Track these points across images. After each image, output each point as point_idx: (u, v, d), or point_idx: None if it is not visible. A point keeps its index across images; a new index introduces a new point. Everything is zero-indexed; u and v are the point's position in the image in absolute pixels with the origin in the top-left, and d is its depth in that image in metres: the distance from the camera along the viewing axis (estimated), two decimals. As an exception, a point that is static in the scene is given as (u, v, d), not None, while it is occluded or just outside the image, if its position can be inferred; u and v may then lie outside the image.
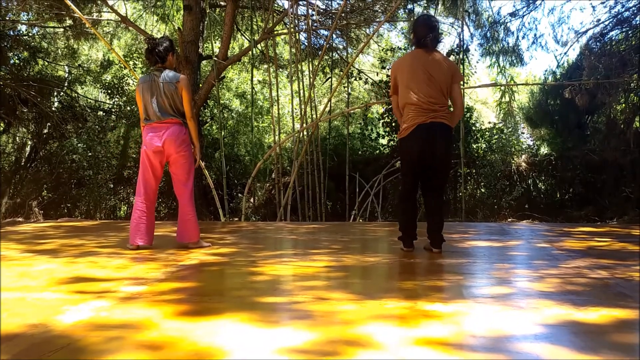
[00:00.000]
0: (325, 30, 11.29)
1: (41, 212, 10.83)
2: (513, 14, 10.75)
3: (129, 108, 12.03)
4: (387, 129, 11.37)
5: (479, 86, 12.94)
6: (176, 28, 10.13)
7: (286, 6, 10.68)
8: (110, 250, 4.20)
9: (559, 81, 10.91)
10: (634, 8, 9.39)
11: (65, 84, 12.58)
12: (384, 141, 11.93)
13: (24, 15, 11.44)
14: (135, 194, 4.39)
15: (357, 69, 12.11)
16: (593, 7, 9.91)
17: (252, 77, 10.36)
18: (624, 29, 9.54)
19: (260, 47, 11.52)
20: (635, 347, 1.80)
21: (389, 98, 10.60)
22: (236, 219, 10.22)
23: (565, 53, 10.95)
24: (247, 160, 12.98)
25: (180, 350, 1.74)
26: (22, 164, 12.37)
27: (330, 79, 11.92)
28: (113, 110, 12.62)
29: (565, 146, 10.78)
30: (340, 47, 12.10)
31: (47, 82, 11.61)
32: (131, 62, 12.88)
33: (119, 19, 10.02)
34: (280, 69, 12.97)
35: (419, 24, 3.98)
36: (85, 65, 13.31)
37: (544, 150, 11.81)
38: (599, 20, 9.80)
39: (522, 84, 14.46)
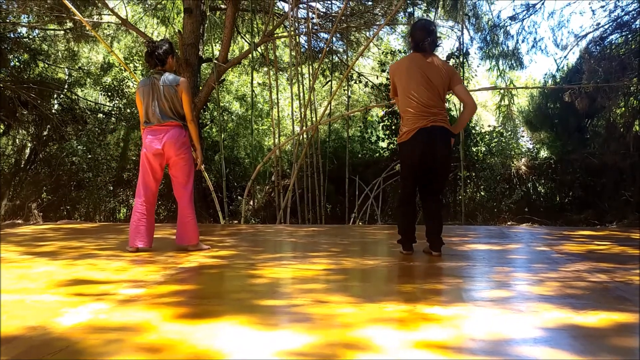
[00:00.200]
0: (326, 33, 11.31)
1: (40, 214, 10.82)
2: (513, 18, 10.76)
3: (129, 110, 12.04)
4: (387, 132, 11.37)
5: (479, 89, 12.96)
6: (176, 31, 10.15)
7: (286, 9, 10.71)
8: (109, 252, 4.20)
9: (558, 85, 10.91)
10: (633, 12, 9.41)
11: (66, 87, 12.58)
12: (383, 144, 11.93)
13: (24, 18, 11.46)
14: (134, 197, 4.38)
15: (357, 72, 12.12)
16: (593, 10, 9.92)
17: (252, 79, 10.37)
18: (623, 33, 9.56)
19: (260, 50, 11.54)
20: (635, 351, 1.80)
21: (389, 101, 10.63)
22: (236, 221, 10.21)
23: (565, 57, 10.96)
24: (246, 162, 12.98)
25: (179, 353, 1.74)
26: (22, 166, 12.36)
27: (330, 82, 11.93)
28: (113, 112, 12.63)
29: (565, 149, 10.78)
30: (341, 50, 12.12)
31: (47, 84, 11.62)
32: (131, 65, 12.89)
33: (120, 21, 10.04)
34: (281, 72, 12.98)
35: (417, 28, 3.99)
36: (86, 67, 13.32)
37: (543, 153, 11.81)
38: (599, 24, 9.83)
39: (522, 88, 14.50)
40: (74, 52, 12.53)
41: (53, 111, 11.80)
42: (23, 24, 11.58)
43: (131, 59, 13.23)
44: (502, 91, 12.38)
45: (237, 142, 13.77)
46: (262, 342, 1.85)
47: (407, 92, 3.87)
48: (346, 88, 12.17)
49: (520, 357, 1.73)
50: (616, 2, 9.58)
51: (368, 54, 13.55)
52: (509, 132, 12.47)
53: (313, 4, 10.66)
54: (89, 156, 10.99)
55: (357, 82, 12.14)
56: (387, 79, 11.51)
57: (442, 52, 12.48)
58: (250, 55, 10.20)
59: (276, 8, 11.33)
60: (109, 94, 12.71)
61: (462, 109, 4.08)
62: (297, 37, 9.84)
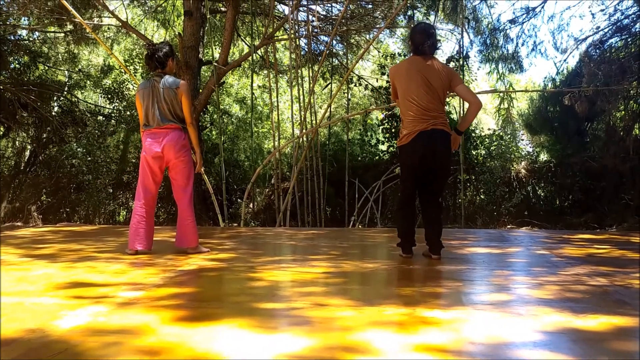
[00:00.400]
0: (326, 36, 11.33)
1: (40, 217, 10.82)
2: (512, 21, 10.78)
3: (128, 113, 12.05)
4: (387, 135, 11.38)
5: (479, 93, 12.92)
6: (177, 33, 10.16)
7: (286, 12, 10.73)
8: (108, 255, 4.19)
9: (558, 88, 10.92)
10: (633, 15, 9.42)
11: (66, 89, 12.59)
12: (383, 147, 11.94)
13: (24, 20, 11.47)
14: (134, 199, 4.38)
15: (357, 74, 12.14)
16: (593, 14, 9.90)
17: (252, 82, 10.38)
18: (623, 37, 9.57)
19: (260, 53, 11.55)
20: (635, 355, 1.79)
21: (389, 104, 10.64)
22: (235, 224, 10.21)
23: (564, 60, 10.98)
24: (246, 165, 12.99)
25: (178, 356, 1.73)
26: (22, 168, 12.36)
27: (330, 85, 11.94)
28: (113, 115, 12.63)
29: (565, 153, 10.79)
30: (341, 52, 12.13)
31: (47, 86, 11.62)
32: (131, 67, 12.90)
33: (120, 24, 10.05)
34: (281, 75, 12.99)
35: (417, 31, 4.00)
36: (86, 70, 13.33)
37: (543, 157, 11.82)
38: (599, 27, 9.84)
39: (522, 91, 14.50)
40: (74, 55, 12.55)
41: (53, 113, 11.81)
42: (23, 26, 11.60)
43: (131, 61, 13.24)
44: (501, 94, 12.39)
45: (237, 145, 13.78)
46: (261, 345, 1.85)
47: (407, 96, 3.87)
48: (346, 91, 12.17)
49: (519, 360, 1.72)
50: (616, 5, 9.60)
51: (368, 56, 13.57)
52: (509, 136, 12.48)
53: (313, 6, 10.68)
54: (89, 159, 10.99)
55: (357, 85, 12.16)
56: (387, 82, 11.52)
57: (442, 55, 12.52)
58: (250, 57, 10.21)
59: (276, 11, 11.36)
60: (109, 96, 12.72)
61: (465, 109, 4.07)
62: (297, 39, 9.85)
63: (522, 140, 13.14)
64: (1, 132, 12.12)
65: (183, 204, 4.29)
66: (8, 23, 11.09)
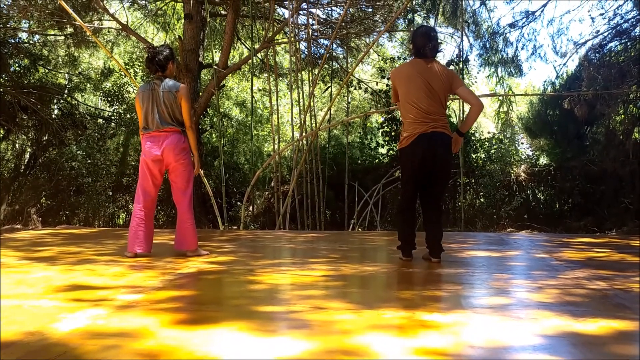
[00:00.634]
0: (326, 39, 11.34)
1: (39, 219, 10.81)
2: (512, 25, 10.79)
3: (128, 116, 12.06)
4: (387, 138, 11.39)
5: (478, 96, 12.95)
6: (177, 36, 10.17)
7: (287, 15, 10.74)
8: (108, 258, 4.19)
9: (558, 92, 10.94)
10: (633, 20, 9.44)
11: (66, 92, 12.60)
12: (383, 150, 11.95)
13: (24, 23, 11.48)
14: (134, 202, 4.38)
15: (357, 78, 12.15)
16: (592, 18, 9.92)
17: (252, 85, 10.39)
18: (623, 41, 9.58)
19: (260, 56, 11.56)
20: (635, 359, 1.79)
21: (388, 107, 10.65)
22: (235, 227, 10.20)
23: (564, 64, 10.98)
24: (246, 168, 12.99)
25: (177, 359, 1.73)
26: (21, 170, 12.36)
27: (330, 88, 11.96)
28: (113, 117, 12.65)
29: (565, 156, 10.79)
30: (341, 56, 12.16)
31: (48, 89, 11.64)
32: (131, 70, 12.91)
33: (120, 27, 10.06)
34: (280, 78, 13.01)
35: (419, 34, 4.00)
36: (86, 72, 13.35)
37: (543, 160, 11.83)
38: (598, 31, 9.85)
39: (521, 94, 14.53)
40: (74, 58, 12.56)
41: (53, 116, 11.82)
42: (24, 29, 11.61)
43: (131, 64, 13.26)
44: (501, 98, 12.40)
45: (237, 148, 13.78)
46: (261, 348, 1.84)
47: (408, 99, 3.88)
48: (346, 94, 12.19)
49: (519, 364, 1.72)
50: (615, 9, 9.62)
51: (368, 60, 13.59)
52: (509, 139, 12.49)
53: (313, 10, 10.71)
54: (89, 161, 10.99)
55: (357, 88, 12.17)
56: (387, 85, 11.55)
57: (442, 59, 12.52)
58: (250, 61, 10.23)
59: (276, 14, 11.38)
60: (109, 99, 12.74)
61: (466, 111, 4.08)
62: (297, 43, 9.86)
63: (522, 143, 13.15)
64: (1, 135, 12.12)
65: (183, 207, 4.29)
66: (8, 26, 11.10)
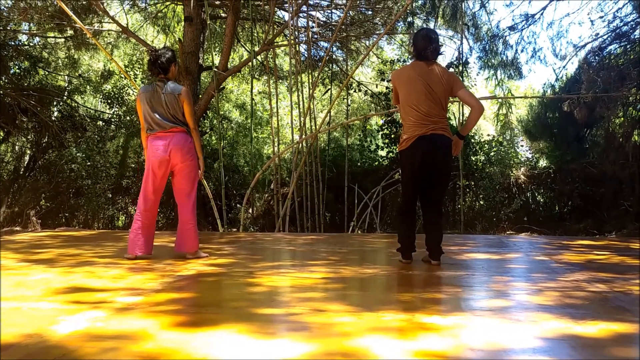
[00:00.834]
0: (325, 42, 11.36)
1: (39, 222, 10.80)
2: (512, 28, 10.80)
3: (128, 118, 12.05)
4: (387, 141, 11.39)
5: (478, 99, 12.96)
6: (177, 39, 10.19)
7: (287, 18, 10.76)
8: (107, 260, 4.18)
9: (557, 94, 10.94)
10: (632, 22, 9.45)
11: (65, 94, 12.60)
12: (383, 153, 11.95)
13: (25, 25, 11.49)
14: (134, 204, 4.37)
15: (356, 80, 12.16)
16: (592, 21, 9.93)
17: (251, 88, 10.40)
18: (622, 43, 9.59)
19: (260, 59, 11.58)
20: (634, 362, 1.79)
21: (388, 110, 10.65)
22: (234, 229, 10.20)
23: (564, 67, 10.98)
24: (246, 170, 12.98)
25: (176, 362, 1.73)
26: (21, 173, 12.36)
27: (329, 91, 11.97)
28: (113, 120, 12.64)
29: (564, 159, 10.79)
30: (340, 58, 12.17)
31: (47, 91, 11.64)
32: (131, 73, 12.92)
33: (120, 29, 10.07)
34: (280, 80, 13.02)
35: (420, 37, 4.00)
36: (86, 75, 13.35)
37: (542, 163, 11.83)
38: (598, 34, 9.85)
39: (521, 97, 14.53)
40: (74, 60, 12.56)
41: (53, 118, 11.82)
42: (24, 31, 11.62)
43: (131, 66, 13.26)
44: (501, 100, 12.41)
45: (237, 150, 13.78)
46: (260, 350, 1.84)
47: (408, 101, 3.88)
48: (346, 97, 12.20)
49: (519, 367, 1.72)
50: (615, 12, 9.63)
51: (368, 62, 13.60)
52: (508, 142, 12.49)
53: (313, 13, 10.73)
54: (88, 163, 10.98)
55: (357, 90, 12.18)
56: (387, 87, 11.55)
57: (441, 61, 12.51)
58: (250, 63, 10.24)
59: (276, 17, 11.39)
60: (109, 101, 12.73)
61: (466, 114, 4.09)
62: (297, 45, 9.87)
63: (522, 146, 13.16)
64: (1, 137, 12.12)
65: (186, 209, 4.27)
66: (8, 28, 11.11)
